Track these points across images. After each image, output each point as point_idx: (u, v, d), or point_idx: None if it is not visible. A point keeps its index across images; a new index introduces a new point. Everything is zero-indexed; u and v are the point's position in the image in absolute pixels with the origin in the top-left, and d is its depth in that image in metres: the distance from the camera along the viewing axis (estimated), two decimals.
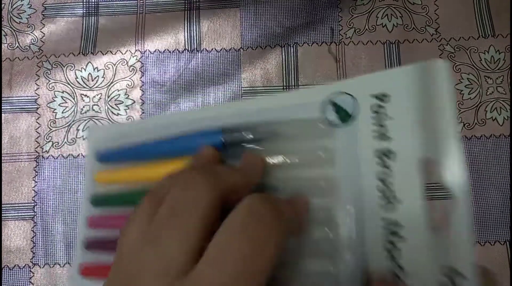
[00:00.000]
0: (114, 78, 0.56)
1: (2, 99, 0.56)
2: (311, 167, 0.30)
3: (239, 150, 0.32)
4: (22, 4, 0.58)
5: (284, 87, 0.56)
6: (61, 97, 0.56)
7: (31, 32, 0.58)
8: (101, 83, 0.56)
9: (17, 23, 0.58)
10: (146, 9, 0.58)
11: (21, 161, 0.55)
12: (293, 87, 0.56)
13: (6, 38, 0.57)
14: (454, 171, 0.25)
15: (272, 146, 0.31)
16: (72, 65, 0.56)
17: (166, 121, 0.35)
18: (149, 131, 0.35)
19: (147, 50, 0.57)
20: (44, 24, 0.58)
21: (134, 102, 0.56)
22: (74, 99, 0.56)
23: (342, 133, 0.29)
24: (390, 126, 0.27)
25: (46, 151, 0.55)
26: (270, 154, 0.31)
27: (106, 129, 0.41)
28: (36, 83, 0.56)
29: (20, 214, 0.53)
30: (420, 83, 0.27)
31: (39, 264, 0.52)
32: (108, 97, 0.56)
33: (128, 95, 0.56)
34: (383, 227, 0.26)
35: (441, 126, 0.25)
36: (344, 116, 0.29)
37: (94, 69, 0.57)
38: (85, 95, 0.56)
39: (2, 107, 0.55)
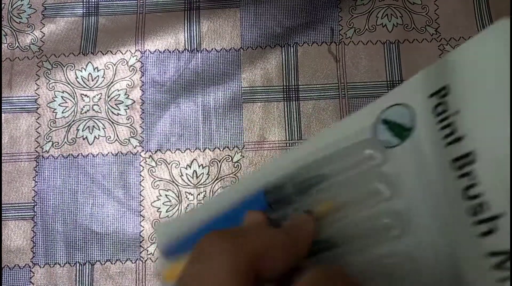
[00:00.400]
0: (114, 78, 0.56)
1: (2, 99, 0.56)
2: (370, 205, 0.25)
3: (289, 208, 0.28)
4: (22, 4, 0.58)
5: (284, 87, 0.56)
6: (61, 97, 0.56)
7: (31, 32, 0.58)
8: (101, 83, 0.56)
9: (17, 23, 0.58)
10: (146, 9, 0.58)
11: (21, 161, 0.55)
12: (293, 87, 0.56)
13: (6, 38, 0.57)
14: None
15: (321, 192, 0.27)
16: (72, 65, 0.56)
17: (224, 198, 0.32)
18: (208, 215, 0.31)
19: (147, 50, 0.57)
20: (44, 24, 0.58)
21: (134, 102, 0.56)
22: (74, 99, 0.56)
23: (402, 152, 0.24)
24: (460, 121, 0.21)
25: (46, 151, 0.55)
26: (320, 202, 0.27)
27: (171, 224, 0.37)
28: (36, 83, 0.56)
29: (20, 214, 0.53)
30: (488, 51, 0.21)
31: (39, 264, 0.53)
32: (108, 97, 0.56)
33: (128, 95, 0.56)
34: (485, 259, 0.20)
35: None
36: (400, 131, 0.24)
37: (94, 69, 0.57)
38: (85, 95, 0.56)
39: (2, 107, 0.55)
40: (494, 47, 0.20)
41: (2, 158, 0.55)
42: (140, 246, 0.53)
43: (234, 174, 0.54)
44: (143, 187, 0.54)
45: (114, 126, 0.55)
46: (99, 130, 0.55)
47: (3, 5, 0.58)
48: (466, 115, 0.21)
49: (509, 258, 0.19)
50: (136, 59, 0.57)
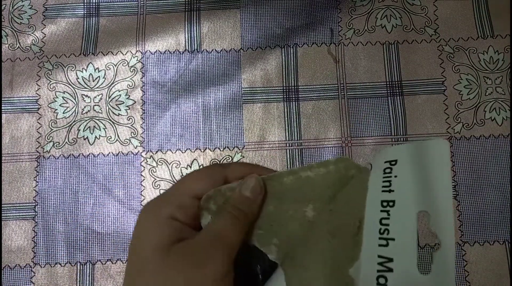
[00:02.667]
0: (115, 78, 0.57)
1: (3, 99, 0.56)
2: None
3: None
4: (23, 5, 0.59)
5: (284, 88, 0.56)
6: (62, 97, 0.56)
7: (32, 33, 0.58)
8: (102, 83, 0.56)
9: (18, 23, 0.58)
10: (147, 10, 0.59)
11: (22, 161, 0.55)
12: (292, 87, 0.56)
13: (7, 39, 0.58)
14: (443, 225, 0.28)
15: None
16: (73, 66, 0.57)
17: None
18: None
19: (148, 51, 0.57)
20: (45, 25, 0.58)
21: (135, 102, 0.56)
22: (75, 99, 0.56)
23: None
24: (394, 182, 0.30)
25: (47, 151, 0.55)
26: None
27: None
28: (37, 84, 0.56)
29: (21, 214, 0.54)
30: (420, 158, 0.30)
31: (40, 263, 0.53)
32: (109, 97, 0.56)
33: (129, 96, 0.56)
34: (379, 263, 0.28)
35: (436, 191, 0.28)
36: None
37: (95, 70, 0.57)
38: (86, 96, 0.56)
39: (3, 107, 0.56)
40: (427, 158, 0.29)
41: (3, 158, 0.55)
42: None
43: None
44: (144, 187, 0.54)
45: (115, 127, 0.55)
46: (100, 130, 0.55)
47: (4, 5, 0.58)
48: (399, 180, 0.29)
49: None
50: (137, 60, 0.57)
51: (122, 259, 0.53)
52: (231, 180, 0.31)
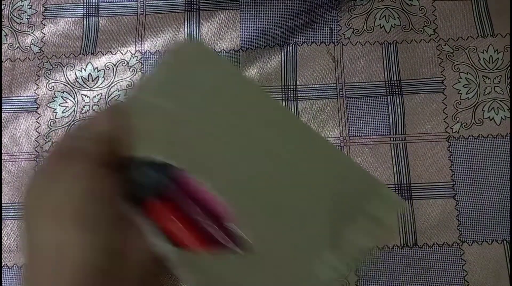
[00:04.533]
0: (114, 78, 0.57)
1: (2, 99, 0.56)
2: None
3: None
4: (23, 5, 0.59)
5: (283, 87, 0.56)
6: (61, 97, 0.56)
7: (32, 33, 0.58)
8: (101, 83, 0.57)
9: (17, 23, 0.58)
10: (147, 10, 0.59)
11: (21, 161, 0.55)
12: (291, 86, 0.56)
13: (6, 39, 0.58)
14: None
15: None
16: (73, 66, 0.57)
17: None
18: None
19: (148, 51, 0.57)
20: (44, 25, 0.58)
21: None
22: (74, 99, 0.56)
23: None
24: None
25: (46, 150, 0.55)
26: None
27: None
28: (36, 83, 0.56)
29: (20, 213, 0.54)
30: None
31: None
32: (108, 97, 0.56)
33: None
34: None
35: None
36: None
37: (94, 70, 0.57)
38: (85, 95, 0.56)
39: (2, 107, 0.56)
40: None
41: (2, 157, 0.55)
42: None
43: None
44: None
45: None
46: None
47: (3, 5, 0.59)
48: None
49: None
50: (137, 60, 0.57)
51: None
52: None
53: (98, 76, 0.57)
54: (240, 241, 0.30)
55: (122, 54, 0.57)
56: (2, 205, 0.54)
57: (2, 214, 0.54)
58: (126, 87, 0.57)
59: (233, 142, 0.32)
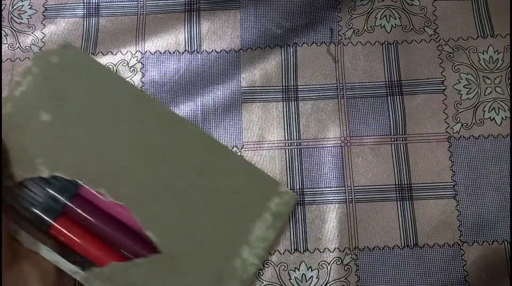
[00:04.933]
0: None
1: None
2: None
3: None
4: (23, 5, 0.59)
5: (283, 87, 0.56)
6: None
7: (32, 33, 0.58)
8: None
9: (17, 23, 0.58)
10: (147, 10, 0.59)
11: None
12: (292, 87, 0.56)
13: (6, 39, 0.58)
14: None
15: None
16: None
17: None
18: None
19: (148, 51, 0.57)
20: (44, 25, 0.58)
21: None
22: None
23: None
24: None
25: None
26: None
27: None
28: None
29: None
30: None
31: None
32: None
33: None
34: None
35: None
36: None
37: None
38: None
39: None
40: None
41: None
42: None
43: None
44: None
45: None
46: None
47: (3, 5, 0.59)
48: None
49: None
50: (137, 60, 0.57)
51: None
52: None
53: None
54: (147, 245, 0.30)
55: (122, 54, 0.57)
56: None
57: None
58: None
59: (122, 148, 0.32)
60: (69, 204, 0.33)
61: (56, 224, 0.32)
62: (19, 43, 0.58)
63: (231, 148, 0.55)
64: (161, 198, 0.32)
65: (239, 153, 0.55)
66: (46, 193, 0.33)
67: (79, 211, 0.32)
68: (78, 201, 0.33)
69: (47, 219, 0.32)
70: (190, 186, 0.32)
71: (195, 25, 0.58)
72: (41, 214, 0.32)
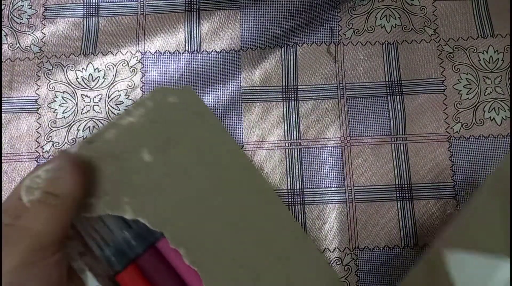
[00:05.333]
0: (114, 78, 0.57)
1: (3, 99, 0.56)
2: None
3: None
4: (23, 5, 0.59)
5: (283, 87, 0.56)
6: (62, 97, 0.56)
7: (32, 33, 0.58)
8: (101, 83, 0.57)
9: (17, 23, 0.58)
10: (147, 10, 0.59)
11: (21, 161, 0.55)
12: (292, 87, 0.56)
13: (6, 39, 0.58)
14: None
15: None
16: (73, 66, 0.57)
17: None
18: None
19: (148, 51, 0.57)
20: (44, 25, 0.58)
21: (135, 102, 0.56)
22: (75, 99, 0.56)
23: None
24: None
25: (46, 151, 0.55)
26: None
27: None
28: (36, 84, 0.56)
29: None
30: None
31: None
32: (108, 97, 0.56)
33: (129, 96, 0.56)
34: None
35: None
36: None
37: (94, 70, 0.57)
38: (86, 96, 0.56)
39: (3, 107, 0.56)
40: None
41: (3, 158, 0.55)
42: None
43: None
44: None
45: None
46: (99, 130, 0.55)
47: (3, 5, 0.59)
48: None
49: None
50: (137, 60, 0.57)
51: None
52: None
53: (99, 76, 0.57)
54: None
55: (122, 54, 0.57)
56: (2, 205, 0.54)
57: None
58: (127, 87, 0.57)
59: (217, 214, 0.30)
60: (144, 254, 0.31)
61: (125, 273, 0.30)
62: (19, 43, 0.58)
63: None
64: (240, 279, 0.30)
65: None
66: (123, 236, 0.31)
67: (152, 265, 0.30)
68: (154, 254, 0.31)
69: (118, 264, 0.30)
70: (273, 275, 0.30)
71: (195, 25, 0.58)
72: (112, 256, 0.30)
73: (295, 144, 0.55)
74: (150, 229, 0.30)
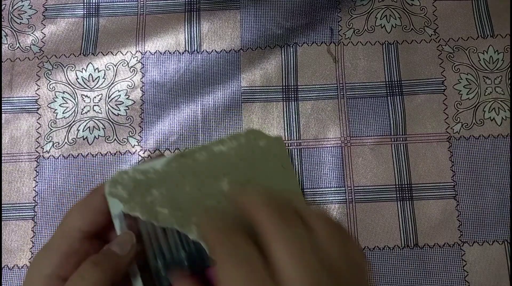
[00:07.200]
0: (114, 79, 0.57)
1: (3, 99, 0.56)
2: None
3: None
4: (23, 5, 0.59)
5: (283, 88, 0.56)
6: (62, 97, 0.56)
7: (32, 33, 0.58)
8: (101, 83, 0.57)
9: (17, 23, 0.58)
10: (147, 10, 0.59)
11: (21, 161, 0.55)
12: (292, 87, 0.56)
13: (6, 39, 0.58)
14: None
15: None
16: (73, 66, 0.57)
17: None
18: None
19: (148, 51, 0.57)
20: (44, 25, 0.58)
21: (135, 102, 0.56)
22: (75, 99, 0.56)
23: None
24: None
25: (46, 151, 0.55)
26: None
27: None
28: (36, 84, 0.56)
29: (20, 214, 0.54)
30: None
31: None
32: (108, 97, 0.56)
33: (129, 96, 0.56)
34: None
35: None
36: None
37: (94, 70, 0.57)
38: (86, 96, 0.56)
39: (3, 107, 0.56)
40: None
41: (3, 158, 0.55)
42: None
43: None
44: None
45: (114, 127, 0.55)
46: (99, 130, 0.55)
47: (3, 5, 0.59)
48: None
49: None
50: (137, 60, 0.57)
51: None
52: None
53: (99, 76, 0.57)
54: None
55: (122, 54, 0.57)
56: (2, 205, 0.54)
57: (2, 214, 0.54)
58: (127, 87, 0.57)
59: None
60: (192, 274, 0.31)
61: None
62: (19, 43, 0.58)
63: None
64: None
65: None
66: (179, 254, 0.31)
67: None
68: (201, 277, 0.32)
69: (165, 279, 0.31)
70: None
71: (195, 25, 0.58)
72: (162, 270, 0.30)
73: (295, 144, 0.55)
74: (201, 255, 0.31)
